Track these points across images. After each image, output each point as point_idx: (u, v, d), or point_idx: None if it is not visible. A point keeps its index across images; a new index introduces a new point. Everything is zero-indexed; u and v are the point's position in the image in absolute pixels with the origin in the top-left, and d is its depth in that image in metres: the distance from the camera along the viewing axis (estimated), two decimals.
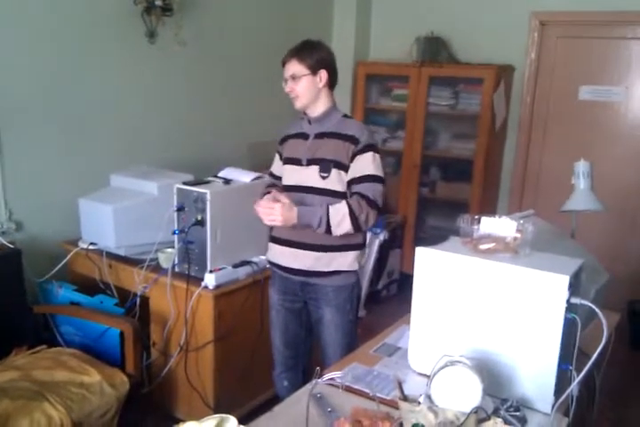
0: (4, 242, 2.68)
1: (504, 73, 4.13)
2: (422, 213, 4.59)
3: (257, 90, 4.09)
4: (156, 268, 2.68)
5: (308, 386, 1.56)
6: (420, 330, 1.71)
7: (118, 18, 3.12)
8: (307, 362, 2.52)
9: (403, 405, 1.42)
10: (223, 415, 1.29)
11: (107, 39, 3.11)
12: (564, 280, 1.45)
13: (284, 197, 2.15)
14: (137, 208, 2.72)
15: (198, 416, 1.30)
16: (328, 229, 2.13)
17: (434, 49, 4.30)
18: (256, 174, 2.82)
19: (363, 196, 2.14)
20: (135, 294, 2.69)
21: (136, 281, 2.68)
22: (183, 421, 1.28)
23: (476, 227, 1.69)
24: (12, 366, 2.30)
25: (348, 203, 2.13)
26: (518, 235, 1.64)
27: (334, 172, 2.18)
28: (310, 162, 2.23)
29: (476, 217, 1.70)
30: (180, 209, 2.58)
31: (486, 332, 1.58)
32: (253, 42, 3.99)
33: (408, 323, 1.78)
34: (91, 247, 2.81)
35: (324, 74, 2.23)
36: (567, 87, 4.14)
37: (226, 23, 3.77)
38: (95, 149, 3.14)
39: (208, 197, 2.50)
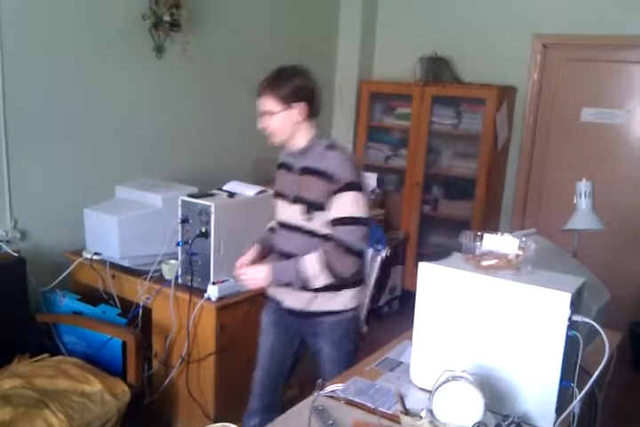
0: (9, 251, 2.70)
1: (507, 94, 4.18)
2: (424, 231, 4.60)
3: None
4: (160, 279, 2.70)
5: (310, 398, 1.57)
6: (422, 345, 1.72)
7: (127, 33, 3.17)
8: (279, 402, 2.33)
9: (404, 419, 1.43)
10: (226, 424, 1.30)
11: (115, 54, 3.15)
12: (566, 298, 1.47)
13: (247, 261, 2.17)
14: (142, 219, 2.75)
15: None
16: (306, 284, 2.02)
17: (437, 69, 4.36)
18: (260, 188, 2.84)
19: (339, 242, 1.99)
20: (138, 305, 2.70)
21: (139, 292, 2.70)
22: None
23: (478, 243, 1.71)
24: (14, 373, 2.31)
25: (323, 253, 1.99)
26: (520, 252, 1.66)
27: (317, 213, 2.03)
28: (296, 200, 2.08)
29: (479, 234, 1.72)
30: (184, 221, 2.60)
31: (488, 348, 1.59)
32: (259, 58, 4.04)
33: (410, 338, 1.79)
34: (95, 257, 2.83)
35: (302, 106, 2.01)
36: (569, 109, 4.18)
37: (232, 40, 3.83)
38: (101, 160, 3.17)
39: (212, 209, 2.52)
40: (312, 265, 1.99)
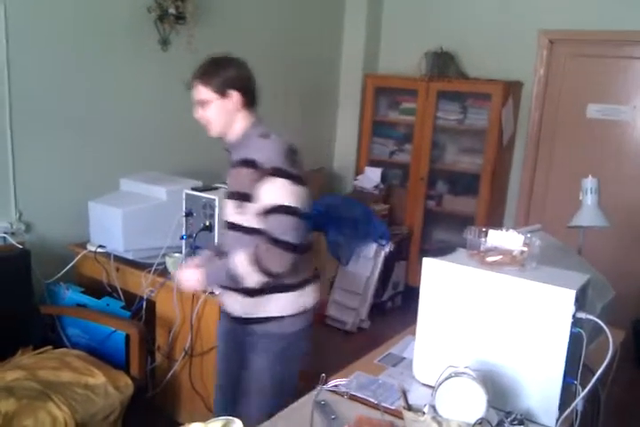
0: (14, 243, 2.70)
1: (512, 89, 4.16)
2: (428, 226, 4.60)
3: (266, 99, 4.11)
4: (163, 272, 2.70)
5: (313, 393, 1.57)
6: (425, 341, 1.72)
7: (132, 25, 3.16)
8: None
9: (407, 414, 1.43)
10: (228, 418, 1.30)
11: (120, 46, 3.15)
12: (571, 294, 1.46)
13: (192, 265, 2.05)
14: (146, 212, 2.75)
15: (201, 421, 1.31)
16: (239, 284, 1.89)
17: (443, 64, 4.34)
18: None
19: (268, 236, 1.83)
20: (141, 298, 2.70)
21: (143, 285, 2.70)
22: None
23: (483, 239, 1.70)
24: (17, 365, 2.32)
25: (252, 251, 1.85)
26: (525, 248, 1.65)
27: (247, 206, 1.90)
28: (229, 195, 2.01)
29: (484, 230, 1.72)
30: (188, 214, 2.60)
31: (492, 344, 1.59)
32: (264, 52, 4.03)
33: (413, 334, 1.79)
34: (99, 250, 2.84)
35: (236, 96, 1.94)
36: (575, 105, 4.16)
37: (237, 33, 3.81)
38: (106, 153, 3.17)
39: (216, 202, 2.52)
40: (241, 262, 1.86)
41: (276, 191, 1.84)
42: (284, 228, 1.83)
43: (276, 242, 1.82)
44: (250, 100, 2.01)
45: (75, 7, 2.91)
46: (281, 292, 1.94)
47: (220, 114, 1.96)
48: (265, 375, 2.02)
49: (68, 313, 2.75)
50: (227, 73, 1.95)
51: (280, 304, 1.95)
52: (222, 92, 1.94)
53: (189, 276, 2.00)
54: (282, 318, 1.96)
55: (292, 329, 1.99)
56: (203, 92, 1.94)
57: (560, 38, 4.13)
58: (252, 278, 1.86)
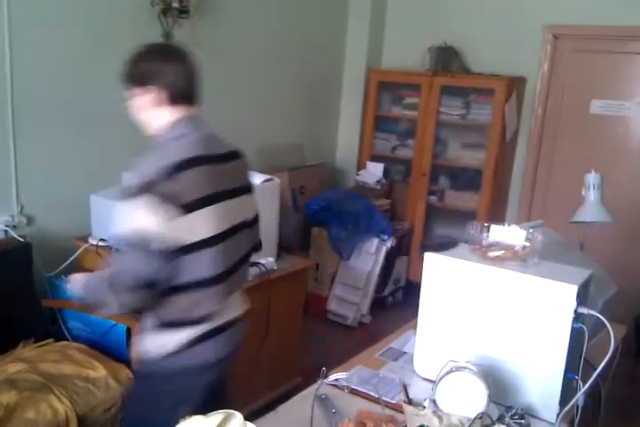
0: (15, 236, 2.70)
1: (516, 84, 4.15)
2: (430, 222, 4.59)
3: (269, 93, 4.12)
4: None
5: (313, 386, 1.57)
6: (426, 335, 1.72)
7: (135, 19, 3.15)
8: None
9: (407, 408, 1.43)
10: (229, 411, 1.29)
11: (123, 40, 3.12)
12: (573, 290, 1.46)
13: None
14: None
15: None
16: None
17: (446, 59, 4.32)
18: (266, 176, 2.84)
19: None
20: None
21: None
22: None
23: (485, 234, 1.70)
24: (19, 358, 2.32)
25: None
26: (527, 244, 1.65)
27: None
28: None
29: (486, 225, 1.72)
30: None
31: (493, 339, 1.59)
32: (267, 46, 4.03)
33: (414, 328, 1.79)
34: (100, 244, 2.83)
35: (154, 90, 1.71)
36: (579, 100, 4.15)
37: (240, 27, 3.80)
38: (108, 146, 3.16)
39: None
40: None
41: (124, 216, 1.60)
42: (122, 267, 1.61)
43: (112, 276, 1.61)
44: (173, 96, 1.72)
45: (77, 1, 2.90)
46: (155, 328, 1.72)
47: (140, 110, 1.76)
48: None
49: (69, 306, 2.74)
50: (145, 66, 1.72)
51: (152, 341, 1.72)
52: (140, 87, 1.72)
53: (76, 278, 1.77)
54: (150, 357, 1.72)
55: (161, 379, 1.74)
56: (126, 87, 1.76)
57: (564, 33, 4.11)
58: (114, 307, 1.64)
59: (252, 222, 1.90)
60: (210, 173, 1.68)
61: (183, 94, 1.75)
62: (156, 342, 1.69)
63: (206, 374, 1.77)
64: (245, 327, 1.90)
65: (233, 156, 1.83)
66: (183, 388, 1.73)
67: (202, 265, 1.64)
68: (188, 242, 1.60)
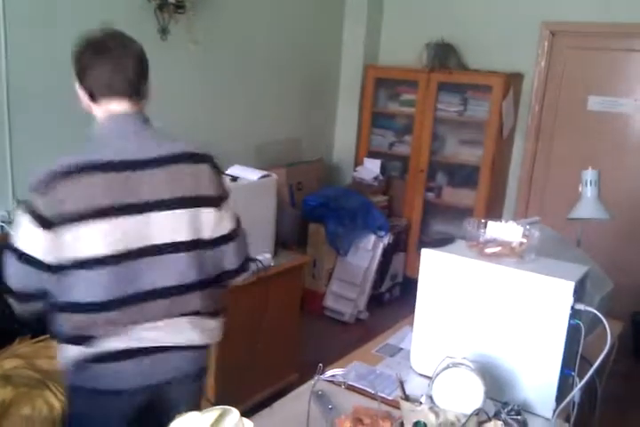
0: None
1: (513, 81, 4.14)
2: (427, 218, 4.60)
3: (267, 89, 4.11)
4: None
5: (310, 383, 1.57)
6: (423, 331, 1.72)
7: (131, 14, 3.14)
8: None
9: (404, 404, 1.43)
10: (225, 407, 1.29)
11: None
12: (570, 286, 1.46)
13: None
14: None
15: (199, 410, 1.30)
16: None
17: (444, 55, 4.31)
18: (263, 173, 2.83)
19: None
20: None
21: None
22: None
23: (482, 231, 1.70)
24: (15, 354, 2.31)
25: None
26: (524, 240, 1.65)
27: None
28: None
29: (483, 221, 1.71)
30: None
31: (489, 335, 1.59)
32: (264, 41, 4.01)
33: (411, 324, 1.79)
34: None
35: (82, 86, 1.58)
36: (576, 97, 4.14)
37: (238, 23, 3.79)
38: None
39: None
40: None
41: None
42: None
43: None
44: (91, 94, 1.57)
45: None
46: (57, 339, 1.63)
47: (85, 107, 1.63)
48: None
49: None
50: (80, 61, 1.58)
51: (59, 352, 1.62)
52: (79, 83, 1.59)
53: None
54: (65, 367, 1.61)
55: (71, 389, 1.64)
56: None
57: (561, 30, 4.10)
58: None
59: (210, 243, 1.59)
60: (102, 183, 1.45)
61: (110, 90, 1.55)
62: (59, 353, 1.59)
63: (118, 401, 1.57)
64: (199, 361, 1.67)
65: (173, 159, 1.54)
66: (93, 411, 1.59)
67: (80, 288, 1.46)
68: (70, 260, 1.45)
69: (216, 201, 1.59)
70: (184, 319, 1.58)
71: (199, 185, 1.56)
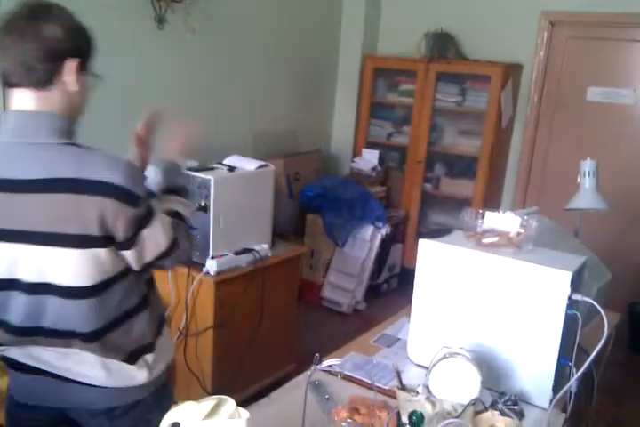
0: None
1: (512, 71, 4.13)
2: (425, 209, 4.59)
3: (265, 78, 4.09)
4: None
5: (307, 372, 1.57)
6: (420, 321, 1.71)
7: (128, 3, 3.11)
8: None
9: (400, 394, 1.42)
10: (221, 397, 1.29)
11: (115, 24, 3.09)
12: (567, 276, 1.45)
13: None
14: None
15: (195, 400, 1.30)
16: None
17: (442, 45, 4.29)
18: (261, 163, 2.82)
19: None
20: None
21: None
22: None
23: (479, 221, 1.69)
24: None
25: None
26: (522, 230, 1.64)
27: None
28: None
29: (481, 211, 1.71)
30: None
31: (486, 325, 1.59)
32: (262, 31, 3.98)
33: (408, 315, 1.78)
34: None
35: None
36: (575, 88, 4.13)
37: (235, 11, 3.76)
38: (99, 132, 3.13)
39: (212, 183, 2.51)
40: None
41: None
42: None
43: None
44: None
45: None
46: None
47: None
48: None
49: None
50: None
51: None
52: None
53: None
54: None
55: None
56: None
57: (561, 20, 4.08)
58: None
59: (85, 292, 1.33)
60: None
61: (5, 78, 1.30)
62: None
63: (22, 412, 1.52)
64: (112, 400, 1.46)
65: (54, 185, 1.25)
66: (7, 416, 1.55)
67: None
68: None
69: (99, 242, 1.29)
70: (88, 355, 1.40)
71: (78, 221, 1.27)
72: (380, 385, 1.58)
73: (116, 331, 1.42)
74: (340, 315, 4.07)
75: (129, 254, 1.36)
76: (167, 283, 2.63)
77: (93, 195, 1.25)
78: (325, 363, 1.49)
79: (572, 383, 1.49)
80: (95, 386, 1.42)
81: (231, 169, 2.68)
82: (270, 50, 4.07)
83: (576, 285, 1.49)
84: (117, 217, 1.28)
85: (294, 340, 3.19)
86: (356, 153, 4.70)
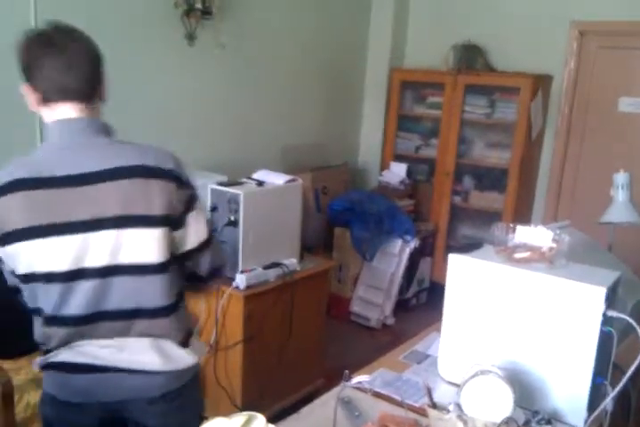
0: None
1: (541, 82, 4.09)
2: (454, 222, 4.55)
3: (292, 92, 4.13)
4: None
5: (336, 389, 1.56)
6: (450, 338, 1.69)
7: (158, 20, 3.18)
8: None
9: (431, 412, 1.41)
10: (251, 413, 1.29)
11: (146, 41, 3.16)
12: (601, 292, 1.42)
13: None
14: None
15: (225, 416, 1.30)
16: None
17: (470, 57, 4.28)
18: (289, 177, 2.83)
19: None
20: None
21: None
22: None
23: (510, 235, 1.67)
24: None
25: None
26: (554, 245, 1.61)
27: None
28: None
29: (511, 226, 1.69)
30: (213, 209, 2.61)
31: (519, 342, 1.56)
32: (289, 45, 4.03)
33: (438, 331, 1.76)
34: None
35: (29, 86, 1.43)
36: (606, 98, 4.07)
37: (264, 27, 3.81)
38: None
39: (241, 198, 2.52)
40: None
41: None
42: None
43: None
44: (48, 96, 1.42)
45: (102, 1, 2.93)
46: None
47: (34, 109, 1.47)
48: None
49: None
50: (26, 58, 1.41)
51: None
52: (25, 82, 1.43)
53: None
54: None
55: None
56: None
57: (590, 30, 4.04)
58: None
59: (159, 267, 1.46)
60: (38, 200, 1.37)
61: (61, 93, 1.42)
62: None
63: (74, 413, 1.54)
64: (165, 386, 1.53)
65: (121, 173, 1.40)
66: (56, 420, 1.58)
67: (30, 300, 1.47)
68: (19, 273, 1.43)
69: (163, 221, 1.44)
70: (143, 341, 1.49)
71: (148, 202, 1.42)
72: (410, 403, 1.56)
73: (181, 308, 1.56)
74: (368, 330, 4.04)
75: (178, 235, 1.49)
76: (198, 298, 2.64)
77: (157, 178, 1.43)
78: (355, 380, 1.48)
79: (608, 402, 1.45)
80: (152, 373, 1.50)
81: (260, 183, 2.69)
82: (298, 63, 4.10)
83: (610, 301, 1.46)
84: (175, 198, 1.45)
85: (323, 355, 3.17)
86: (384, 166, 4.70)
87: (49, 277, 1.40)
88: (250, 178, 2.76)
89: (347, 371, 1.53)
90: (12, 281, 1.50)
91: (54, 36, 1.42)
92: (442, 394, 1.57)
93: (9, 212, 1.36)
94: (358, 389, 1.60)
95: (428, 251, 4.40)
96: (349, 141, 4.81)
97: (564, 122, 4.23)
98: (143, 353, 1.49)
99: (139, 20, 3.10)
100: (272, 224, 2.68)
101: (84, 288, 1.41)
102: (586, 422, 1.48)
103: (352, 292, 4.12)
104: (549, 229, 1.65)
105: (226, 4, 3.42)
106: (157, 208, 1.42)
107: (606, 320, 1.44)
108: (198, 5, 3.21)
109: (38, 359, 1.53)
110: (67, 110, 1.43)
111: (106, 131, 1.49)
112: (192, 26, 3.30)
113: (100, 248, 1.40)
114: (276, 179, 2.79)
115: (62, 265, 1.39)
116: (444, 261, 1.68)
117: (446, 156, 4.38)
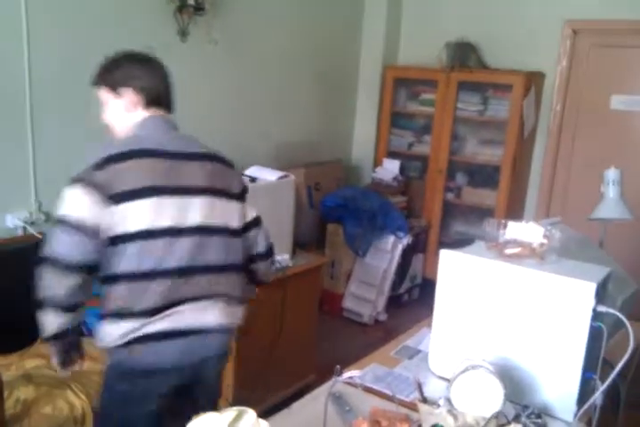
0: (33, 232, 2.73)
1: (534, 80, 4.10)
2: (447, 219, 4.57)
3: (286, 88, 4.12)
4: None
5: (327, 384, 1.56)
6: (441, 333, 1.70)
7: (150, 15, 3.16)
8: None
9: (422, 407, 1.42)
10: (242, 408, 1.29)
11: (138, 36, 3.14)
12: (591, 287, 1.43)
13: None
14: None
15: (216, 410, 1.30)
16: None
17: (463, 54, 4.28)
18: (282, 173, 2.83)
19: None
20: None
21: None
22: None
23: (502, 231, 1.68)
24: (37, 353, 2.34)
25: None
26: (545, 241, 1.62)
27: None
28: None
29: (503, 222, 1.69)
30: None
31: (509, 337, 1.57)
32: (283, 42, 4.02)
33: (429, 326, 1.77)
34: None
35: (130, 94, 1.75)
36: (599, 96, 4.09)
37: (257, 24, 3.80)
38: None
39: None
40: None
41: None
42: (48, 239, 1.65)
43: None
44: (150, 100, 1.78)
45: None
46: (102, 317, 1.67)
47: (116, 115, 1.78)
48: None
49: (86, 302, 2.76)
50: (120, 70, 1.77)
51: (102, 331, 1.67)
52: (116, 92, 1.76)
53: None
54: (106, 348, 1.68)
55: (108, 363, 1.74)
56: (101, 92, 1.80)
57: (583, 28, 4.05)
58: None
59: (238, 231, 1.80)
60: (151, 166, 1.64)
61: (158, 97, 1.80)
62: (103, 331, 1.65)
63: (157, 379, 1.68)
64: (226, 342, 1.81)
65: (204, 157, 1.77)
66: (133, 389, 1.69)
67: (132, 258, 1.59)
68: (119, 233, 1.58)
69: (237, 196, 1.82)
70: (218, 303, 1.73)
71: (224, 180, 1.79)
72: (401, 397, 1.57)
73: (243, 274, 1.86)
74: (360, 325, 4.05)
75: (242, 207, 1.83)
76: None
77: (230, 167, 1.85)
78: (346, 375, 1.48)
79: (597, 397, 1.47)
80: (222, 330, 1.75)
81: (252, 180, 2.69)
82: (291, 60, 4.10)
83: (601, 296, 1.47)
84: (240, 181, 1.88)
85: (315, 350, 3.18)
86: (377, 163, 4.70)
87: (158, 233, 1.61)
88: (242, 174, 2.76)
89: (338, 366, 1.53)
90: (84, 252, 1.59)
91: (147, 56, 1.82)
92: (432, 389, 1.58)
93: (125, 174, 1.60)
94: (349, 384, 1.60)
95: (420, 247, 4.41)
96: (343, 138, 4.81)
97: (556, 119, 4.24)
98: (217, 312, 1.72)
99: (131, 16, 3.09)
100: (264, 220, 2.67)
101: (185, 244, 1.64)
102: (575, 416, 1.49)
103: (344, 288, 4.13)
104: (541, 225, 1.65)
105: (219, 0, 3.40)
106: (235, 187, 1.81)
107: (596, 315, 1.45)
108: (191, 1, 3.19)
109: (117, 333, 1.61)
110: (157, 110, 1.79)
111: (176, 127, 1.85)
112: (185, 22, 3.29)
113: (197, 210, 1.67)
114: (269, 175, 2.79)
115: (169, 221, 1.62)
116: (437, 257, 1.68)
117: (439, 152, 4.39)
